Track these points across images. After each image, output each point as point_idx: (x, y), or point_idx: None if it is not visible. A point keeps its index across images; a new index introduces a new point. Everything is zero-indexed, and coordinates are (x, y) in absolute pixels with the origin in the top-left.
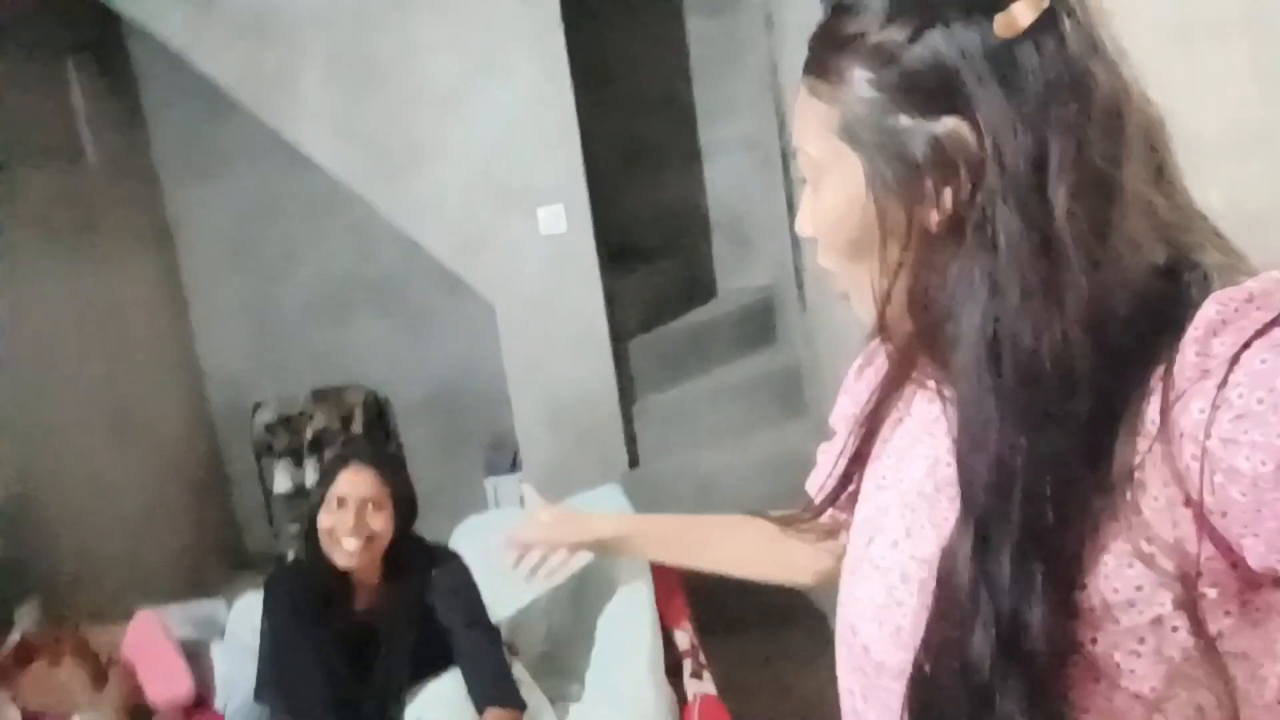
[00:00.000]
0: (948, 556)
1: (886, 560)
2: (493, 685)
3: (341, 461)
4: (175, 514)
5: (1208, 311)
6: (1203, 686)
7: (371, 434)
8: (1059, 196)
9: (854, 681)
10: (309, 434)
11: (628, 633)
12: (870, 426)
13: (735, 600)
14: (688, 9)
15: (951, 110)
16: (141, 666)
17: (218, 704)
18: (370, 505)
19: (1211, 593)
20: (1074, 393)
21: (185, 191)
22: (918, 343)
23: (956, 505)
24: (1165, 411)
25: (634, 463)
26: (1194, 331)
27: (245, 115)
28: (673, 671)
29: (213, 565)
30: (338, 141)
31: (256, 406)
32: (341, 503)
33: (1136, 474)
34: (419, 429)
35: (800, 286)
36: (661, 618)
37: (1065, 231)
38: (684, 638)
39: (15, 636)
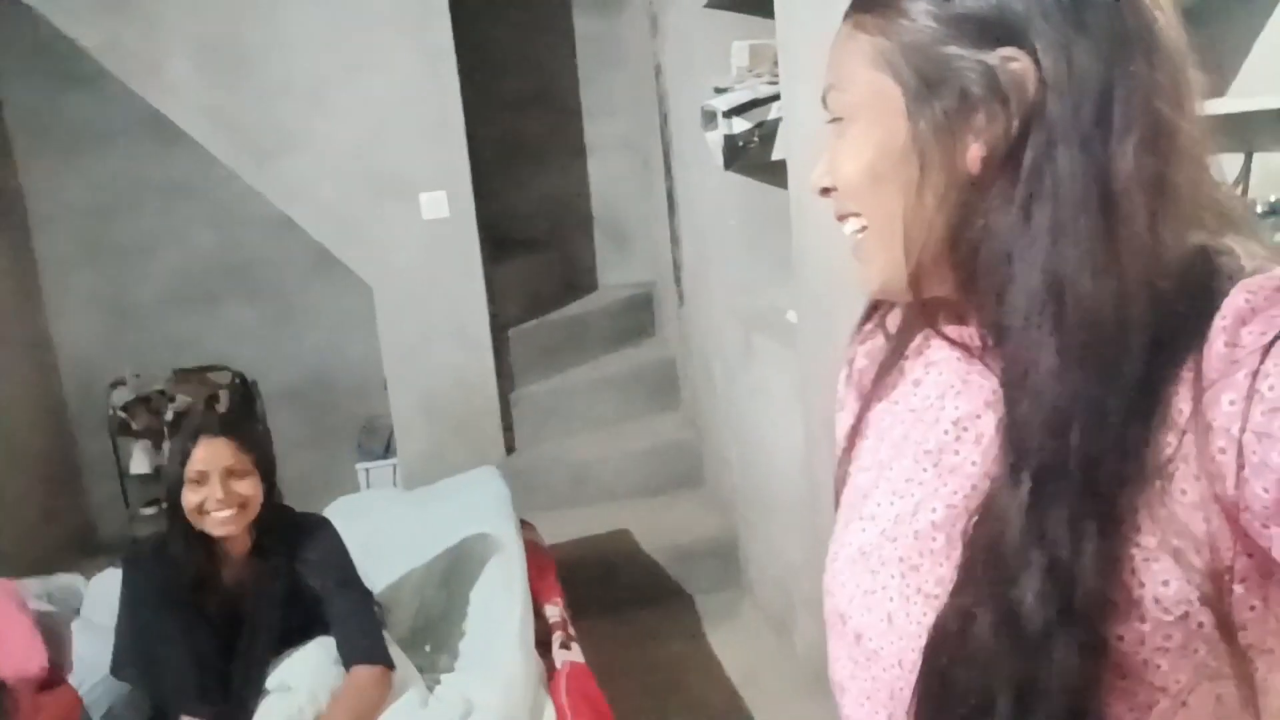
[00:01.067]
0: (992, 511)
1: (869, 544)
2: (361, 644)
3: (193, 436)
4: (23, 499)
5: (1236, 300)
6: (1225, 678)
7: (238, 415)
8: (1127, 147)
9: (846, 672)
10: (170, 414)
11: (498, 606)
12: (860, 412)
13: (605, 583)
14: (575, 7)
15: (1010, 42)
16: None
17: (73, 680)
18: (234, 473)
19: (1239, 588)
20: (1129, 350)
21: (40, 165)
22: (962, 290)
23: (968, 471)
24: (1196, 402)
25: (510, 450)
26: (1221, 320)
27: (107, 88)
28: (544, 646)
29: (64, 551)
30: (206, 122)
31: (114, 385)
32: (203, 477)
33: (1169, 466)
34: (289, 413)
35: (679, 282)
36: (535, 594)
37: (1132, 182)
38: (554, 612)
39: None
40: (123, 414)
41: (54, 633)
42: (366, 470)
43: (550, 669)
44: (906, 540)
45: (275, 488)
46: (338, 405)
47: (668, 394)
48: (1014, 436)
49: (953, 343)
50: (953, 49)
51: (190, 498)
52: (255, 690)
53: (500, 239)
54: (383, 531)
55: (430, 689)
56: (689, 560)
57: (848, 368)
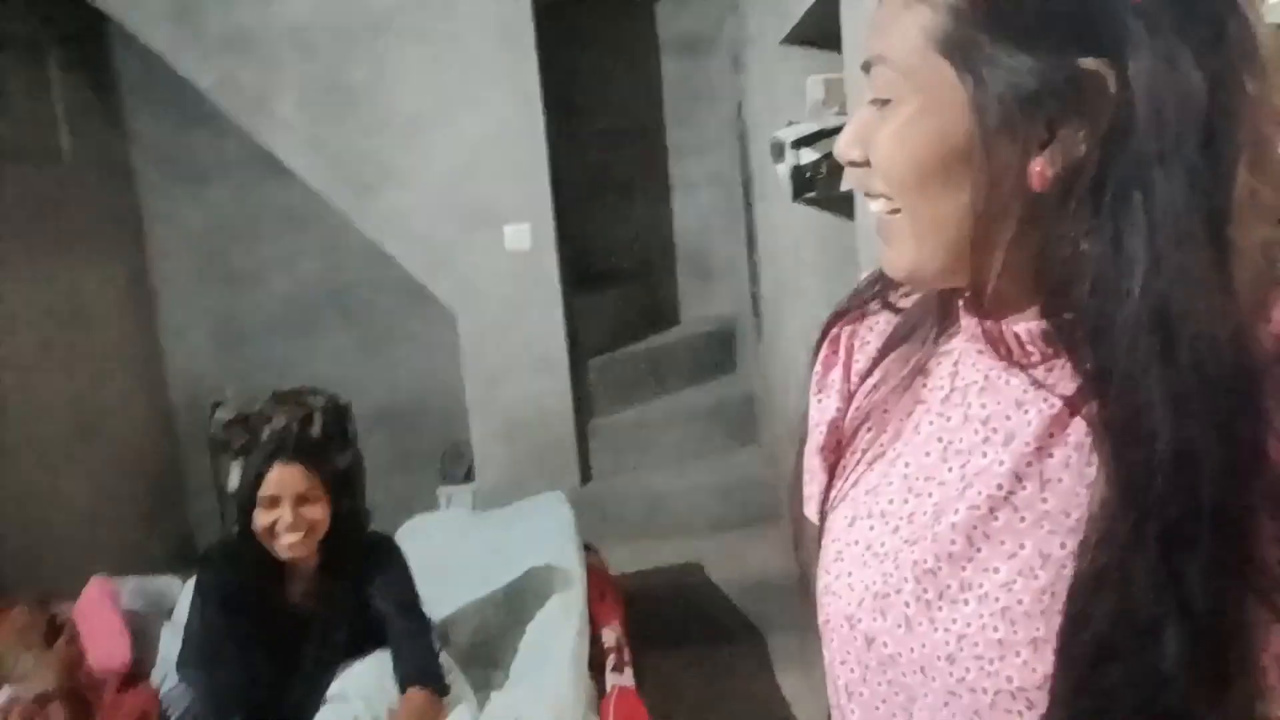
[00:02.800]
0: (1107, 571)
1: (880, 543)
2: (418, 665)
3: (268, 459)
4: (128, 509)
5: None
6: None
7: (313, 441)
8: (1237, 171)
9: (856, 677)
10: (266, 434)
11: (555, 626)
12: (852, 397)
13: (675, 616)
14: (664, 48)
15: (1097, 52)
16: (86, 631)
17: (154, 679)
18: (304, 499)
19: None
20: (1257, 387)
21: (161, 197)
22: (1046, 313)
23: (995, 473)
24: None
25: (585, 479)
26: None
27: (225, 124)
28: (598, 668)
29: (164, 560)
30: (311, 156)
31: (215, 405)
32: (274, 502)
33: None
34: (378, 437)
35: (758, 316)
36: (593, 618)
37: (1244, 209)
38: (611, 635)
39: None
40: (223, 433)
41: (143, 632)
42: (448, 495)
43: (601, 691)
44: (925, 543)
45: (356, 507)
46: (425, 429)
47: (747, 429)
48: (1129, 487)
49: (994, 338)
50: (1032, 48)
51: (261, 519)
52: (314, 704)
53: (585, 271)
54: (451, 550)
55: (481, 706)
56: (763, 598)
57: (830, 346)
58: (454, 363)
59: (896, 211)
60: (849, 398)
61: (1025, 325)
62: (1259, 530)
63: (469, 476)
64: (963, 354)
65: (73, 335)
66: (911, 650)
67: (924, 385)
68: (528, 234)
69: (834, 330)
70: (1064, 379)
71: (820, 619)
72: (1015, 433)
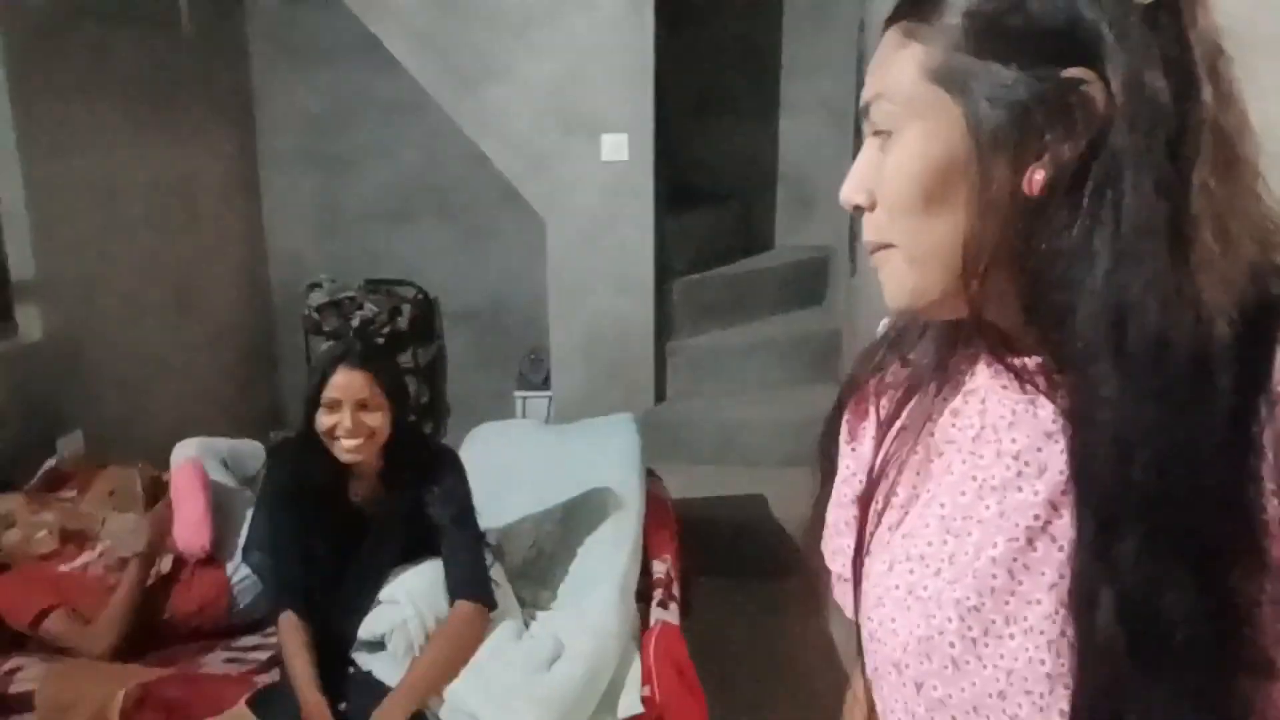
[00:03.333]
0: (1081, 563)
1: (920, 586)
2: (468, 579)
3: (332, 362)
4: (223, 378)
5: None
6: None
7: (416, 331)
8: (1201, 175)
9: None
10: (356, 320)
11: (607, 553)
12: (886, 448)
13: (733, 548)
14: None
15: (1079, 62)
16: (176, 508)
17: (229, 567)
18: (366, 405)
19: None
20: (1212, 381)
21: (272, 75)
22: (1025, 316)
23: (1032, 503)
24: (1271, 421)
25: (660, 399)
26: None
27: (335, 7)
28: (646, 599)
29: (254, 426)
30: (418, 48)
31: (311, 286)
32: (336, 405)
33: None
34: (462, 335)
35: (853, 250)
36: (647, 547)
37: (1205, 211)
38: (662, 568)
39: (51, 463)
40: (316, 314)
41: (228, 511)
42: (524, 399)
43: (645, 624)
44: (966, 580)
45: (406, 416)
46: (509, 332)
47: (829, 365)
48: (1083, 473)
49: (1008, 369)
50: (1018, 65)
51: (324, 420)
52: (367, 601)
53: (682, 189)
54: (516, 461)
55: (527, 624)
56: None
57: (859, 395)
58: (542, 269)
59: (892, 248)
60: (880, 445)
61: (1021, 360)
62: (1204, 525)
63: (546, 383)
64: (989, 391)
65: (179, 205)
66: (962, 690)
67: (953, 425)
68: (625, 145)
69: (863, 378)
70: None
71: (868, 668)
72: (1047, 464)
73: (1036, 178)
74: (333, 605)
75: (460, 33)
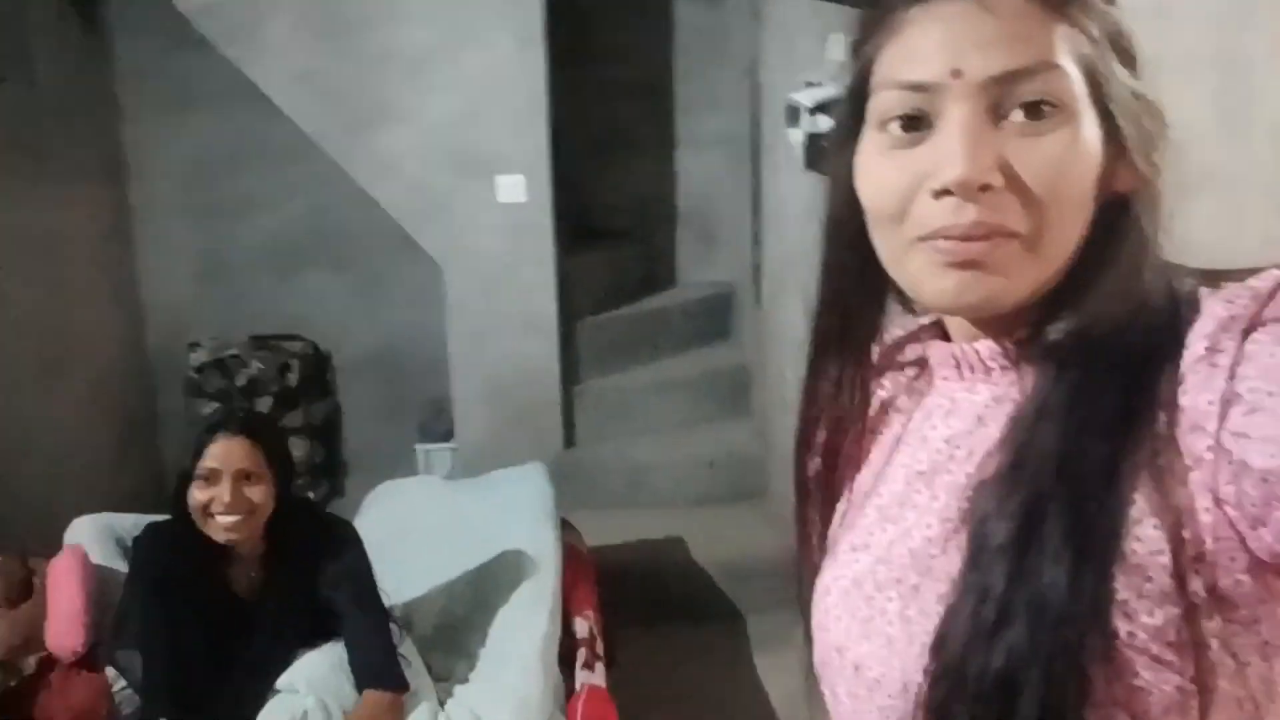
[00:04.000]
0: (980, 534)
1: (863, 573)
2: (376, 665)
3: (210, 430)
4: (100, 446)
5: (1215, 308)
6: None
7: (307, 387)
8: (1133, 160)
9: (848, 710)
10: (242, 380)
11: (524, 617)
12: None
13: (652, 593)
14: None
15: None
16: (49, 603)
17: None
18: (248, 476)
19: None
20: (1132, 361)
21: (144, 125)
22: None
23: (962, 484)
24: (1172, 409)
25: (570, 444)
26: (1203, 326)
27: (212, 51)
28: (569, 663)
29: (134, 499)
30: (301, 90)
31: (192, 346)
32: (214, 476)
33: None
34: (358, 388)
35: (758, 284)
36: (567, 606)
37: (1134, 196)
38: (584, 626)
39: None
40: (197, 375)
41: (111, 602)
42: (426, 452)
43: (570, 689)
44: (903, 561)
45: (289, 489)
46: (407, 382)
47: (739, 401)
48: (1020, 459)
49: (953, 357)
50: (1131, 69)
51: (197, 495)
52: (261, 693)
53: (581, 228)
54: (420, 521)
55: (442, 703)
56: (744, 578)
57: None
58: (440, 315)
59: (1014, 235)
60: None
61: (986, 344)
62: (1110, 519)
63: (450, 434)
64: (931, 385)
65: (47, 264)
66: (894, 669)
67: (895, 420)
68: (523, 186)
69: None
70: (1017, 391)
71: (815, 661)
72: (976, 448)
73: (1125, 180)
74: (220, 702)
75: (346, 74)
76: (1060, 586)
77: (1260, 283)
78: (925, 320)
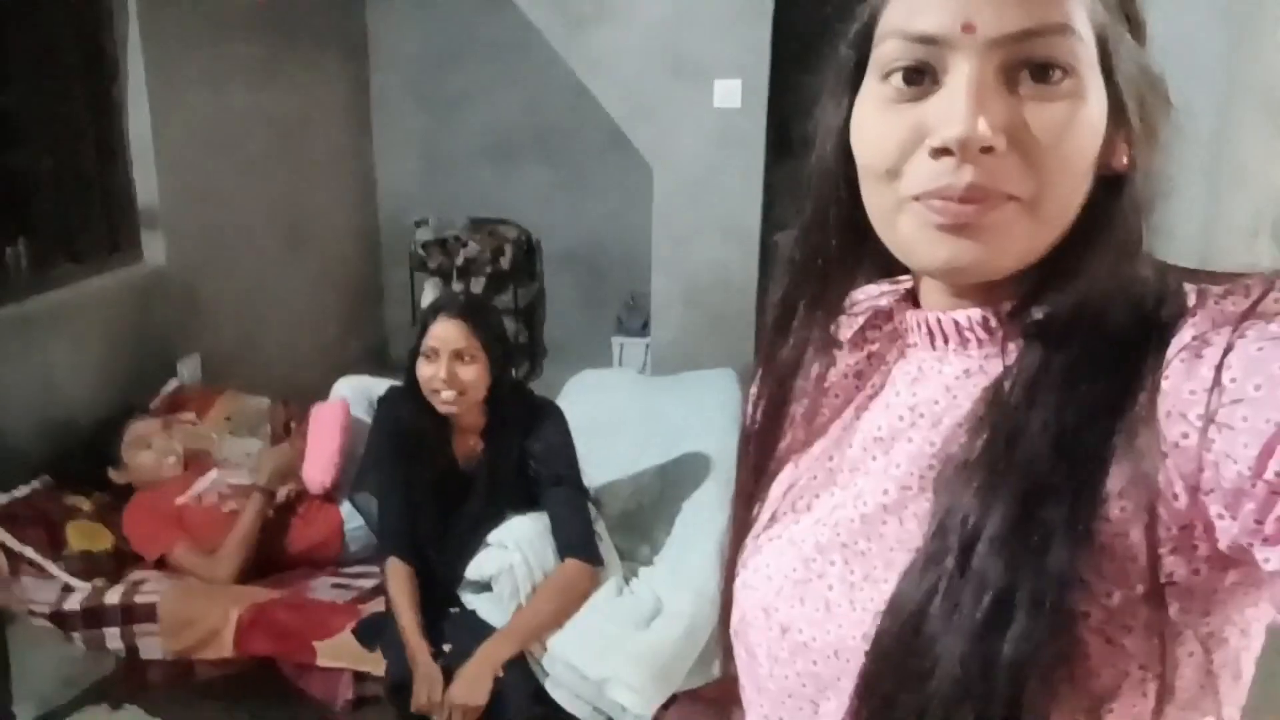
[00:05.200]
0: (963, 517)
1: (802, 534)
2: (575, 537)
3: (433, 312)
4: (332, 312)
5: (1207, 301)
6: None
7: (517, 271)
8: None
9: (764, 672)
10: (460, 259)
11: (706, 514)
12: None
13: None
14: None
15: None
16: (309, 444)
17: (344, 510)
18: (462, 356)
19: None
20: (1122, 348)
21: (386, 16)
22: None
23: (926, 453)
24: (1152, 390)
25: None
26: (1193, 317)
27: None
28: None
29: (360, 362)
30: None
31: (418, 224)
32: (433, 354)
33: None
34: (563, 277)
35: None
36: None
37: (1132, 183)
38: None
39: (173, 385)
40: (421, 251)
41: (357, 454)
42: (621, 344)
43: None
44: (852, 525)
45: (506, 372)
46: (609, 275)
47: None
48: (1004, 441)
49: (932, 326)
50: (1141, 40)
51: (423, 370)
52: (474, 547)
53: (789, 136)
54: (615, 413)
55: (627, 580)
56: None
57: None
58: (645, 214)
59: (1014, 199)
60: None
61: (965, 313)
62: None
63: (645, 329)
64: (897, 351)
65: (294, 142)
66: (828, 633)
67: (853, 385)
68: (738, 92)
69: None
70: (994, 366)
71: (734, 619)
72: (943, 416)
73: (1124, 157)
74: (439, 549)
75: None
76: (1064, 576)
77: (1252, 283)
78: (889, 286)
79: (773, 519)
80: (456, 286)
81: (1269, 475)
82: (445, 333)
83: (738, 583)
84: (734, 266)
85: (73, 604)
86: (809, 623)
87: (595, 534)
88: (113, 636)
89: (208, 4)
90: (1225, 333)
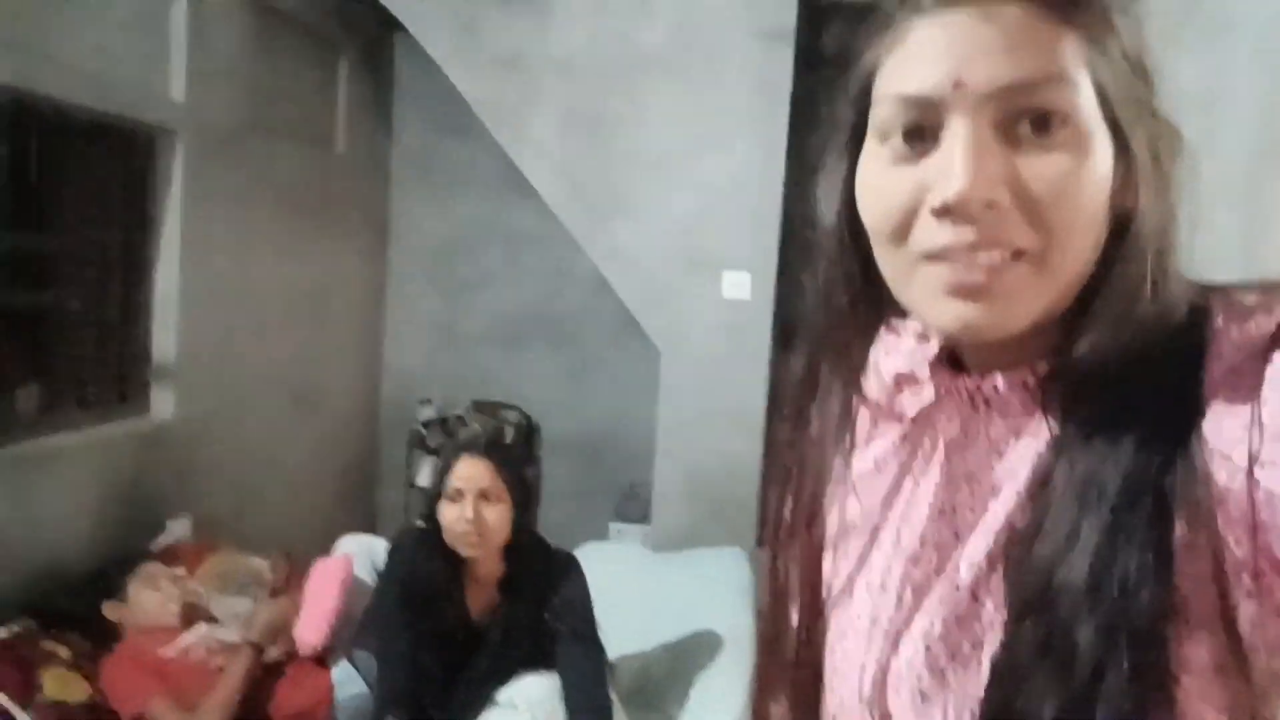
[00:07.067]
0: (1046, 589)
1: (889, 618)
2: (589, 700)
3: (457, 452)
4: (326, 487)
5: (1231, 330)
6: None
7: (508, 445)
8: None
9: None
10: (460, 439)
11: (721, 693)
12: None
13: None
14: None
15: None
16: (306, 601)
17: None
18: (488, 497)
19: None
20: (1167, 390)
21: (410, 199)
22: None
23: (991, 526)
24: (1197, 436)
25: (763, 542)
26: (1222, 349)
27: (480, 139)
28: None
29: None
30: (556, 180)
31: (422, 402)
32: (459, 494)
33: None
34: (562, 462)
35: None
36: None
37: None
38: None
39: (161, 540)
40: (422, 429)
41: (354, 616)
42: (620, 530)
43: None
44: (931, 607)
45: (528, 515)
46: (608, 463)
47: None
48: (1085, 492)
49: (968, 389)
50: (1149, 87)
51: (447, 512)
52: (479, 707)
53: (793, 325)
54: (622, 586)
55: None
56: None
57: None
58: (650, 403)
59: (1019, 256)
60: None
61: (1003, 378)
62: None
63: (643, 518)
64: (942, 417)
65: (310, 314)
66: (929, 717)
67: (909, 454)
68: (748, 284)
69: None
70: (1040, 427)
71: (832, 704)
72: (1002, 487)
73: (1134, 198)
74: (441, 709)
75: (597, 167)
76: (1149, 636)
77: (1273, 298)
78: (931, 344)
79: (846, 598)
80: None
81: None
82: (471, 472)
83: (828, 667)
84: (739, 454)
85: None
86: (913, 712)
87: (610, 699)
88: None
89: (245, 175)
90: (1256, 363)
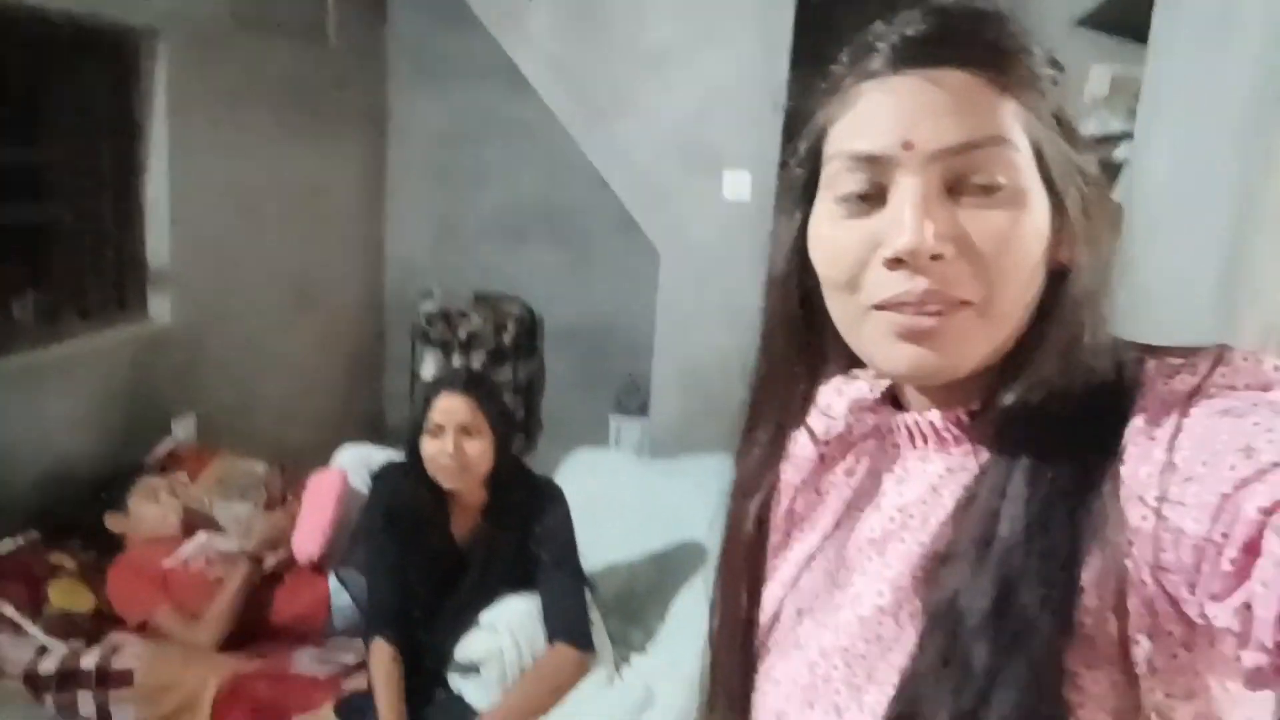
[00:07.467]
0: (950, 611)
1: (810, 638)
2: (569, 622)
3: (437, 388)
4: (331, 378)
5: (1156, 382)
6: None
7: (518, 347)
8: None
9: None
10: (462, 332)
11: (703, 606)
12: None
13: None
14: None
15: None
16: (302, 513)
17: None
18: (468, 431)
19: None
20: (1089, 431)
21: (408, 91)
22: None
23: (915, 553)
24: (1114, 478)
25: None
26: (1145, 399)
27: (473, 31)
28: None
29: (356, 431)
30: (552, 74)
31: (423, 295)
32: (439, 429)
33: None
34: (563, 355)
35: None
36: None
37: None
38: None
39: (167, 445)
40: (424, 322)
41: (349, 527)
42: (619, 424)
43: None
44: (851, 628)
45: (508, 449)
46: (609, 356)
47: None
48: (991, 532)
49: (910, 427)
50: (1079, 149)
51: (428, 447)
52: (462, 629)
53: None
54: (613, 494)
55: (618, 667)
56: None
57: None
58: (649, 297)
59: (965, 305)
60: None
61: (940, 414)
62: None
63: (643, 410)
64: (875, 449)
65: (308, 209)
66: None
67: (845, 484)
68: (748, 184)
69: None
70: (970, 461)
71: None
72: (929, 515)
73: (1068, 252)
74: (427, 629)
75: (594, 62)
76: (1047, 666)
77: (1200, 359)
78: (867, 383)
79: (775, 621)
80: (457, 359)
81: (1214, 536)
82: (451, 408)
83: (756, 690)
84: (734, 352)
85: (47, 666)
86: None
87: (590, 620)
88: (85, 701)
89: (234, 74)
90: (1175, 414)
